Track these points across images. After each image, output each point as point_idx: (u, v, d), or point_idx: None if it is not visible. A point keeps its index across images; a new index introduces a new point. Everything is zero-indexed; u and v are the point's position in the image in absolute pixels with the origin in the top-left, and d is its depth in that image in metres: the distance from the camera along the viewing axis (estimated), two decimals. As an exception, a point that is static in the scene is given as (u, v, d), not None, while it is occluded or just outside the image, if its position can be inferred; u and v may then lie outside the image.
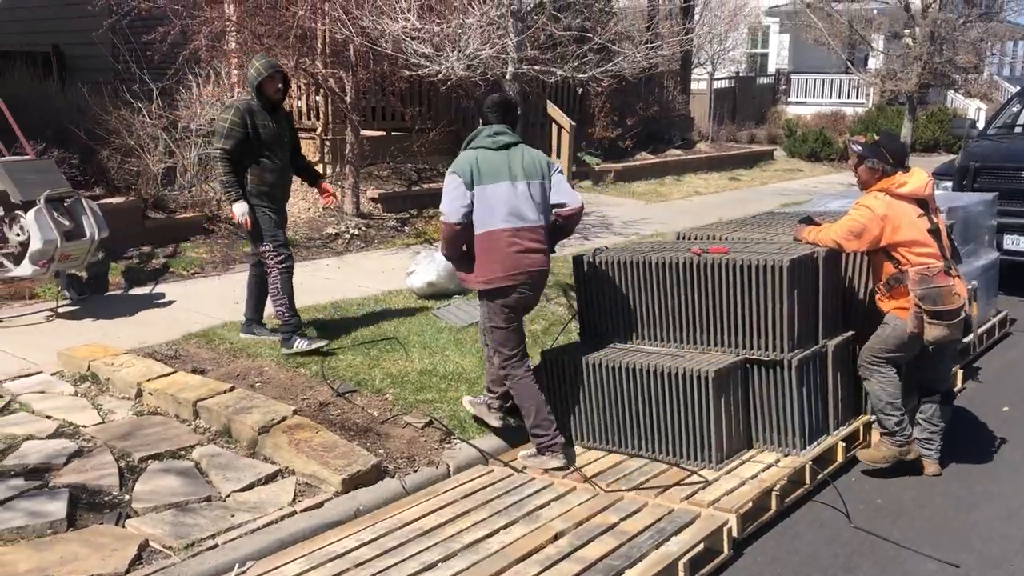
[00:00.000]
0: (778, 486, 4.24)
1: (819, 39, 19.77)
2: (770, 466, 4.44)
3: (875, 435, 4.86)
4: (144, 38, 9.57)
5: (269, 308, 5.87)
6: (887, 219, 4.56)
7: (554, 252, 4.72)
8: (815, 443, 4.68)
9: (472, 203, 4.39)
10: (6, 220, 6.52)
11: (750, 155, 17.69)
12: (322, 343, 5.70)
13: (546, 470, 4.50)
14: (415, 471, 4.50)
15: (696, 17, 16.58)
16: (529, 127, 12.27)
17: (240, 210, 5.52)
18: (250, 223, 5.55)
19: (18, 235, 6.40)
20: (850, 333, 5.04)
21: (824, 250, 4.84)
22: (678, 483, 4.29)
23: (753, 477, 4.32)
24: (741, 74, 23.34)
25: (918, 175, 4.67)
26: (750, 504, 4.05)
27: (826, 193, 11.97)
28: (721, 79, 21.01)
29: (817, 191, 13.46)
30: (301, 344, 5.63)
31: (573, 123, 13.17)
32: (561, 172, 4.62)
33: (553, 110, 13.16)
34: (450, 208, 4.40)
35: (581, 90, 13.26)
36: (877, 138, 4.80)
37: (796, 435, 4.58)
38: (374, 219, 10.14)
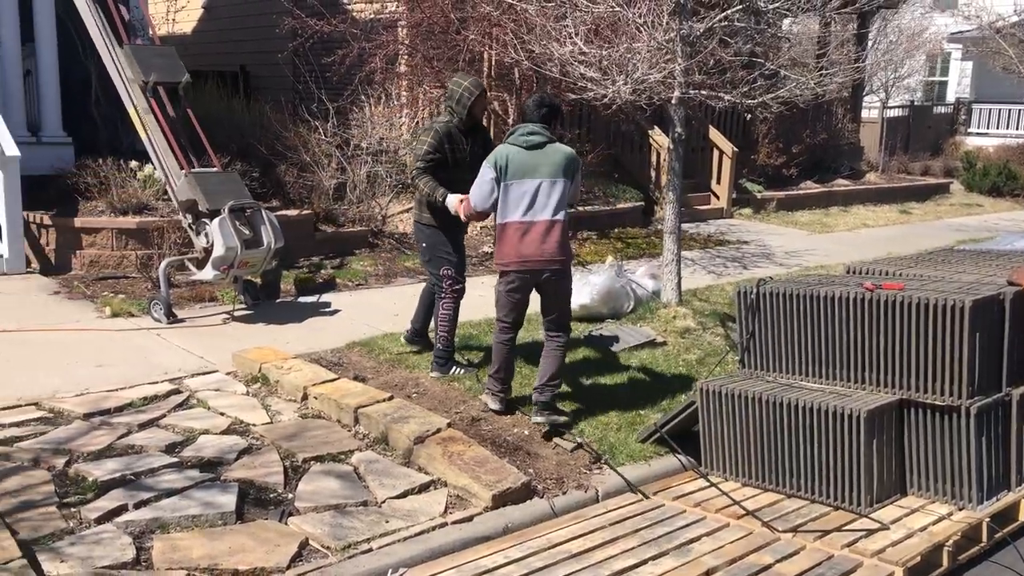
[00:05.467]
0: (951, 541, 3.96)
1: (1008, 66, 18.57)
2: (941, 519, 4.16)
3: None
4: (323, 60, 10.11)
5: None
6: None
7: None
8: (994, 498, 4.35)
9: (498, 196, 4.89)
10: (193, 227, 7.02)
11: (924, 188, 16.75)
12: (474, 368, 5.78)
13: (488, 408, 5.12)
14: (563, 493, 4.49)
15: (870, 43, 15.90)
16: (691, 152, 12.10)
17: (453, 201, 5.27)
18: (465, 211, 5.19)
19: (203, 242, 6.87)
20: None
21: (1012, 291, 4.51)
22: (839, 528, 4.08)
23: (923, 529, 4.06)
24: (916, 103, 22.18)
25: None
26: (918, 558, 3.80)
27: (1011, 231, 11.19)
28: (894, 107, 20.03)
29: (1000, 228, 12.58)
30: (457, 371, 5.69)
31: (735, 149, 12.96)
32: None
33: (715, 135, 12.98)
34: (477, 198, 5.01)
35: (749, 116, 12.98)
36: None
37: (972, 488, 4.27)
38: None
